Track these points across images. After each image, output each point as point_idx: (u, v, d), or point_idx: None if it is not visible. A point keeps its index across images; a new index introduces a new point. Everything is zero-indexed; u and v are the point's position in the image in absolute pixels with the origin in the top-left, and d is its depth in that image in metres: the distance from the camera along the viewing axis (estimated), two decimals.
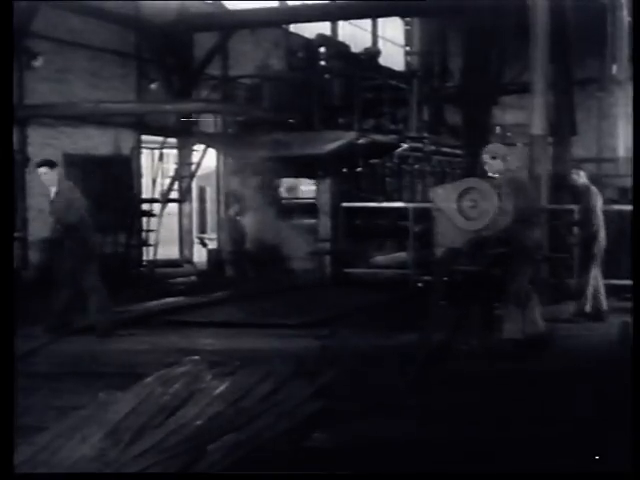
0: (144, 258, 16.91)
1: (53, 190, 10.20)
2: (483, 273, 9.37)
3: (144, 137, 17.67)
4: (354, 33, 24.74)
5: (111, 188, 16.47)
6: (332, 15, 20.01)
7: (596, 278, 10.85)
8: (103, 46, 16.39)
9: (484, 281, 9.35)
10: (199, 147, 17.76)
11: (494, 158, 9.28)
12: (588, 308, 10.74)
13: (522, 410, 6.60)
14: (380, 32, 27.37)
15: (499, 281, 9.27)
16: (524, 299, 8.93)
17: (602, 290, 10.87)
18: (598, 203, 10.88)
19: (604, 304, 10.82)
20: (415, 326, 9.68)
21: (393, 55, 25.68)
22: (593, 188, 10.99)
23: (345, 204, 14.52)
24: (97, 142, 16.45)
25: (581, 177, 11.05)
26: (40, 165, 10.26)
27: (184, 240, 18.93)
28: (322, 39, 17.85)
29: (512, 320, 8.93)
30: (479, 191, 9.61)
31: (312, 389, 6.79)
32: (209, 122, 18.22)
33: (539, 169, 12.11)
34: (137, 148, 17.42)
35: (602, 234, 10.80)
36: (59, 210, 10.16)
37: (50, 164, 10.23)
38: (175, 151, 18.68)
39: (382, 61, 18.88)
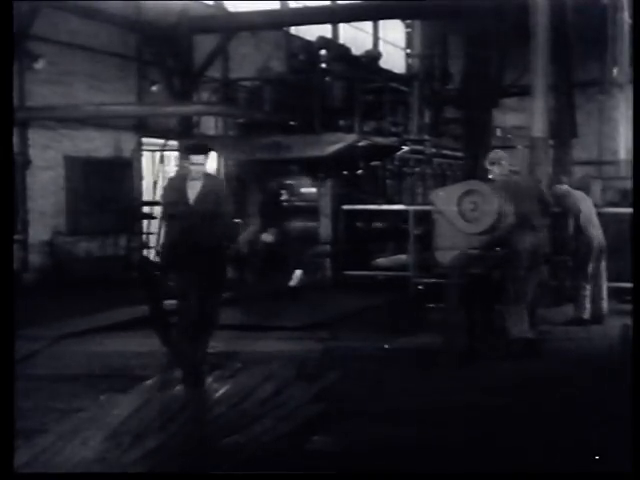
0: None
1: (193, 185, 7.45)
2: (485, 276, 9.39)
3: (145, 139, 17.68)
4: (355, 35, 24.76)
5: (112, 190, 16.50)
6: (333, 17, 20.03)
7: (597, 282, 10.76)
8: (104, 48, 16.41)
9: (486, 283, 9.37)
10: None
11: (492, 164, 9.38)
12: (586, 314, 10.65)
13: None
14: (381, 35, 27.41)
15: (501, 283, 9.30)
16: (524, 299, 8.96)
17: (604, 294, 10.81)
18: (585, 208, 10.73)
19: (604, 308, 10.76)
20: (416, 328, 9.72)
21: (394, 58, 25.68)
22: (577, 193, 10.91)
23: (346, 207, 14.50)
24: (98, 144, 16.47)
25: (560, 188, 10.99)
26: (192, 151, 7.56)
27: None
28: (323, 41, 17.85)
29: (516, 320, 8.95)
30: (479, 193, 9.62)
31: (314, 392, 6.80)
32: (210, 124, 18.22)
33: (540, 172, 12.11)
34: (138, 150, 17.43)
35: (598, 238, 10.72)
36: (205, 218, 7.31)
37: (204, 150, 7.59)
38: (176, 153, 18.68)
39: (383, 64, 18.89)
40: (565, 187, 11.03)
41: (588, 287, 10.67)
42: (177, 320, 7.54)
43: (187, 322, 7.35)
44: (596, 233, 10.71)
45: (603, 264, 10.78)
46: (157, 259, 8.05)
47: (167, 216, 7.66)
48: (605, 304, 10.73)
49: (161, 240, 7.81)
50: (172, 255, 7.44)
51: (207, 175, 7.58)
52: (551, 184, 11.43)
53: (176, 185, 7.58)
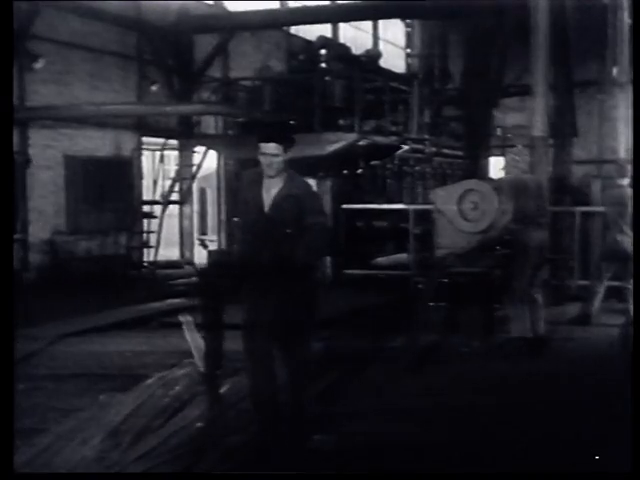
0: (145, 259, 16.91)
1: (270, 186, 5.70)
2: (485, 274, 9.40)
3: (145, 139, 17.67)
4: (355, 35, 24.78)
5: (112, 189, 16.51)
6: (333, 17, 20.02)
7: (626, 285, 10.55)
8: (104, 48, 16.40)
9: (486, 282, 9.38)
10: (200, 149, 17.76)
11: (511, 165, 9.37)
12: (594, 313, 10.58)
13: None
14: (381, 34, 27.40)
15: (501, 282, 9.30)
16: (528, 298, 8.96)
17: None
18: (615, 206, 10.48)
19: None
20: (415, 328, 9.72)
21: (394, 57, 25.69)
22: (616, 191, 10.61)
23: (346, 206, 14.50)
24: (98, 144, 16.46)
25: (617, 182, 10.72)
26: (263, 137, 5.70)
27: (185, 242, 18.94)
28: (323, 41, 17.86)
29: (519, 319, 8.95)
30: (479, 193, 9.65)
31: (314, 391, 6.79)
32: (210, 124, 18.22)
33: (539, 171, 12.10)
34: (138, 150, 17.42)
35: (623, 244, 10.28)
36: (283, 230, 5.60)
37: (280, 136, 5.73)
38: (176, 153, 18.69)
39: (383, 63, 18.90)
40: (625, 182, 10.63)
41: (602, 287, 10.58)
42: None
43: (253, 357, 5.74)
44: (621, 239, 10.38)
45: (630, 270, 10.23)
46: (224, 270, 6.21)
47: (239, 223, 6.02)
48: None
49: (233, 251, 5.94)
50: (242, 274, 5.76)
51: (289, 173, 5.73)
52: (613, 176, 11.12)
53: (248, 184, 5.83)
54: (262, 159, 5.64)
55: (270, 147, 5.60)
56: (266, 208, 5.67)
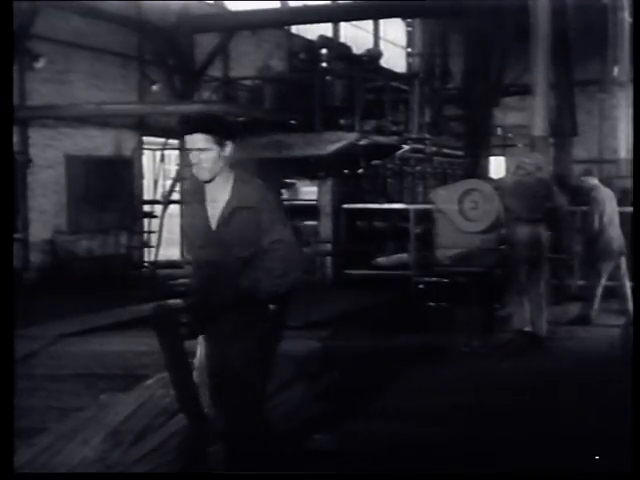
0: (145, 259, 16.91)
1: (214, 193, 4.33)
2: (485, 274, 9.43)
3: (145, 138, 17.68)
4: (356, 34, 24.76)
5: (113, 189, 16.51)
6: (334, 16, 20.03)
7: (621, 282, 10.57)
8: (105, 47, 16.41)
9: (486, 282, 9.40)
10: None
11: (520, 168, 9.38)
12: (594, 313, 10.59)
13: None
14: (382, 34, 27.39)
15: (501, 280, 9.34)
16: (526, 292, 8.99)
17: (628, 294, 10.47)
18: (609, 207, 10.51)
19: (631, 309, 10.31)
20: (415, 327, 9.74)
21: (394, 57, 25.68)
22: (605, 190, 10.65)
23: (346, 205, 14.51)
24: (98, 143, 16.47)
25: (589, 181, 10.80)
26: (185, 127, 4.30)
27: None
28: (324, 40, 17.87)
29: (518, 312, 9.00)
30: (480, 192, 9.68)
31: (314, 391, 6.80)
32: None
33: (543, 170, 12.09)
34: (138, 149, 17.43)
35: (618, 240, 10.41)
36: (236, 253, 4.25)
37: (205, 124, 4.28)
38: (177, 152, 18.68)
39: (383, 63, 18.90)
40: (595, 181, 10.73)
41: (600, 287, 10.60)
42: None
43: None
44: (616, 234, 10.48)
45: (624, 266, 10.51)
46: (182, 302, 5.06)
47: (188, 243, 4.82)
48: (630, 305, 10.43)
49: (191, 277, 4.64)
50: (199, 302, 4.42)
51: (236, 176, 4.40)
52: (580, 176, 11.22)
53: (190, 195, 4.47)
54: (191, 157, 4.27)
55: (197, 140, 4.22)
56: (213, 226, 4.31)
